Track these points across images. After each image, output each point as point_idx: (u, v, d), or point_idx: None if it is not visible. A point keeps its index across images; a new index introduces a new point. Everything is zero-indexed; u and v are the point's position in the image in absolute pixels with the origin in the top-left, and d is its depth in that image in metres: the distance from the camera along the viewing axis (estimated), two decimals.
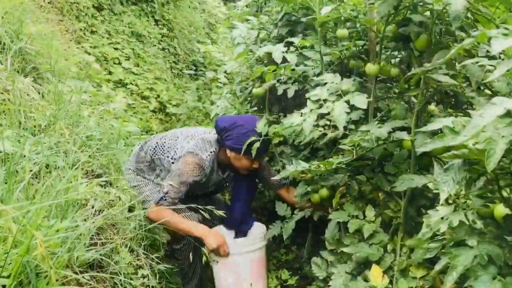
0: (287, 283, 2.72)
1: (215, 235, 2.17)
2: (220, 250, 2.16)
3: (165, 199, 2.19)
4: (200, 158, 2.24)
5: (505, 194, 1.06)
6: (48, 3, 4.30)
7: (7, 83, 2.32)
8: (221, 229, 2.52)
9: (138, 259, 2.24)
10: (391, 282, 1.58)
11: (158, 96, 4.90)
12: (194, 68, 6.17)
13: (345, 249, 1.76)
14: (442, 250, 1.14)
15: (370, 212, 1.81)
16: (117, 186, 1.98)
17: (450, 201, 1.21)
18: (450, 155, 0.92)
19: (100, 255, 1.67)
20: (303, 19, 2.58)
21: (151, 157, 2.42)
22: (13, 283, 1.27)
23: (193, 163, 2.22)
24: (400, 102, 1.87)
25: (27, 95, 2.40)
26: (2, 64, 2.41)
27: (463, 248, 1.05)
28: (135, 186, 2.44)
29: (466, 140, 0.80)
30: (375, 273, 1.57)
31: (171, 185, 2.19)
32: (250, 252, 2.31)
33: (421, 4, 1.61)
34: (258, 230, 2.55)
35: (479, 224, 1.11)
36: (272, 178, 2.47)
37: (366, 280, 1.63)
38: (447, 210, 1.13)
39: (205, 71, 5.68)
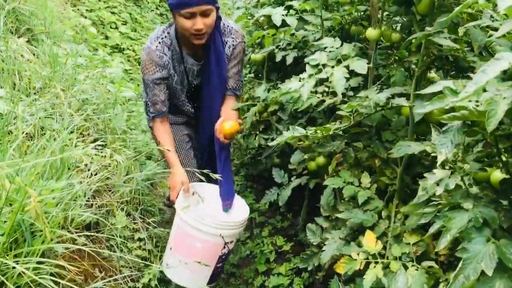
0: (282, 249, 2.75)
1: (175, 179, 2.08)
2: (171, 193, 2.09)
3: (149, 110, 2.16)
4: (148, 51, 2.03)
5: (503, 158, 1.05)
6: None
7: (0, 43, 2.28)
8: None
9: (135, 223, 2.26)
10: (384, 248, 1.59)
11: None
12: None
13: (339, 215, 1.77)
14: (437, 214, 1.14)
15: (366, 179, 1.81)
16: (113, 149, 1.97)
17: (447, 167, 1.20)
18: (449, 117, 0.91)
19: (95, 214, 1.67)
20: None
21: None
22: (8, 241, 1.27)
23: (145, 60, 2.05)
24: (400, 69, 1.84)
25: (21, 56, 2.35)
26: None
27: (458, 211, 1.05)
28: (147, 122, 2.42)
29: (467, 97, 0.78)
30: (368, 238, 1.58)
31: (144, 92, 2.16)
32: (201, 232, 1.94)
33: None
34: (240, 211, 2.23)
35: (475, 189, 1.11)
36: (230, 83, 2.21)
37: (359, 245, 1.64)
38: (443, 173, 1.13)
39: None
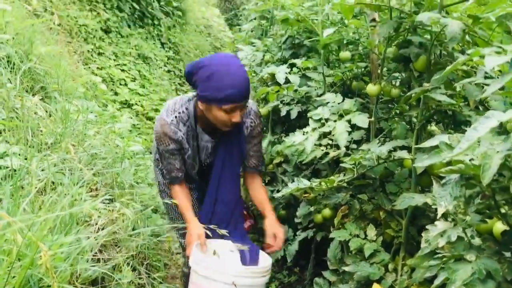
0: None
1: (190, 232, 1.99)
2: (187, 249, 1.98)
3: (165, 176, 2.11)
4: (163, 123, 1.95)
5: (502, 210, 1.07)
6: (58, 25, 4.40)
7: (16, 101, 2.37)
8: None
9: (140, 278, 2.25)
10: None
11: None
12: None
13: (346, 268, 1.76)
14: (442, 266, 1.14)
15: (371, 231, 1.82)
16: (121, 202, 1.99)
17: (449, 219, 1.22)
18: (447, 170, 0.94)
19: (102, 272, 1.67)
20: (306, 42, 2.64)
21: None
22: None
23: (159, 132, 1.97)
24: (401, 122, 1.90)
25: (35, 113, 2.44)
26: (11, 83, 2.46)
27: (461, 263, 1.05)
28: (155, 176, 2.37)
29: (461, 153, 0.82)
30: None
31: (159, 161, 2.13)
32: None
33: (420, 26, 1.66)
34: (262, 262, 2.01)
35: (477, 240, 1.12)
36: (252, 162, 2.11)
37: None
38: (446, 225, 1.14)
39: None
